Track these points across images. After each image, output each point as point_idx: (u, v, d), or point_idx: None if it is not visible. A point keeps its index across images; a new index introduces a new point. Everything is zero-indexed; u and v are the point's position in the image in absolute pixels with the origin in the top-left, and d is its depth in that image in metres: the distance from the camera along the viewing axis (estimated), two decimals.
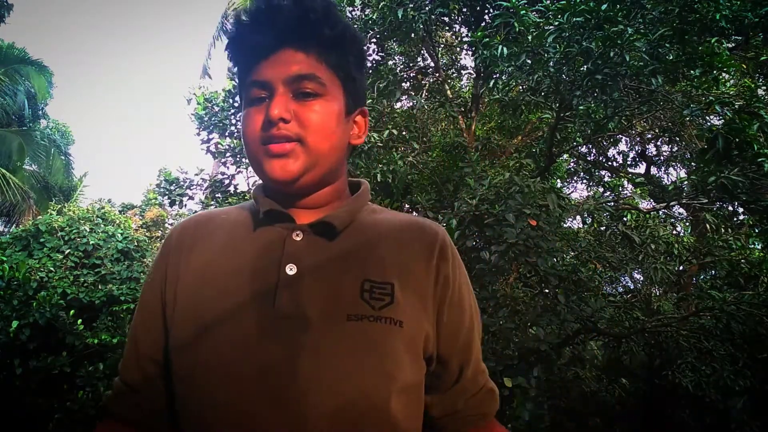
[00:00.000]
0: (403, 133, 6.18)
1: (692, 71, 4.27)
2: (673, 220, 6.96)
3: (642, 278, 6.81)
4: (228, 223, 1.01)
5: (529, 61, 4.36)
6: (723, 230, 5.46)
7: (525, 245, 4.20)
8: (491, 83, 5.21)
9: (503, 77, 5.36)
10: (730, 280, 5.71)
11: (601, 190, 8.00)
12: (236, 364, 0.84)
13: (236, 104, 6.83)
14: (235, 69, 1.01)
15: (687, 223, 7.21)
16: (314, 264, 0.90)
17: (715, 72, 4.30)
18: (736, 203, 4.97)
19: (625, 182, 8.14)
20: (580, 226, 6.64)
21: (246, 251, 0.94)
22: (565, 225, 5.29)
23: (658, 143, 8.26)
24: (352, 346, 0.84)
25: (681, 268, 6.07)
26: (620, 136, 6.90)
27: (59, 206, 10.41)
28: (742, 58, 5.33)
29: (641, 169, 8.72)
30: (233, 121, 6.80)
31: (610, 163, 8.49)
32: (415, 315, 0.90)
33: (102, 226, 8.99)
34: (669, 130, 6.38)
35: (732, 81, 5.50)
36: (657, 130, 6.81)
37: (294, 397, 0.81)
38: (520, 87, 5.54)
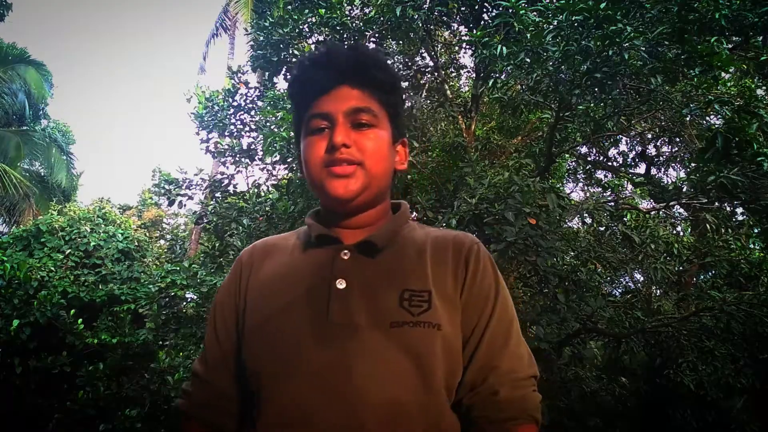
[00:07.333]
0: None
1: (691, 71, 4.25)
2: (673, 220, 6.96)
3: (642, 278, 6.87)
4: (287, 246, 1.16)
5: (528, 60, 4.33)
6: (723, 230, 5.41)
7: (524, 244, 4.20)
8: (490, 82, 5.19)
9: (502, 76, 5.36)
10: (730, 280, 5.75)
11: (600, 190, 7.97)
12: (296, 365, 0.97)
13: (235, 104, 6.81)
14: (293, 104, 1.17)
15: (687, 223, 7.14)
16: (361, 278, 1.03)
17: (715, 71, 4.27)
18: (736, 203, 4.97)
19: (625, 182, 8.04)
20: (580, 226, 6.60)
21: (302, 270, 1.08)
22: (565, 225, 5.24)
23: (658, 143, 8.24)
24: (395, 349, 0.95)
25: (681, 268, 6.05)
26: (620, 136, 6.87)
27: (60, 206, 10.39)
28: (741, 58, 5.30)
29: (641, 169, 8.69)
30: (232, 121, 6.79)
31: (610, 163, 8.46)
32: (450, 318, 1.01)
33: (103, 226, 8.97)
34: (669, 130, 6.36)
35: (732, 81, 5.46)
36: (657, 130, 6.79)
37: (349, 392, 0.93)
38: (520, 86, 5.49)
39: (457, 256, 1.07)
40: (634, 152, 8.57)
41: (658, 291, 6.93)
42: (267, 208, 5.55)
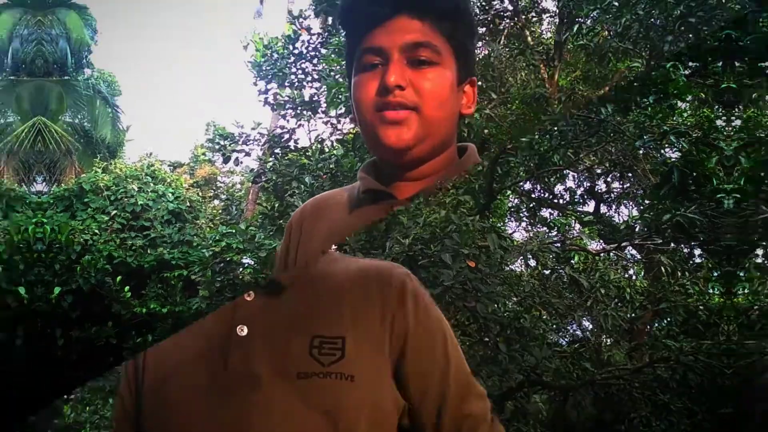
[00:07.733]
0: (479, 83, 5.00)
1: (645, 99, 3.46)
2: (624, 262, 6.03)
3: (591, 326, 5.74)
4: (340, 203, 0.88)
5: (616, 4, 3.81)
6: (679, 274, 4.55)
7: (463, 288, 3.61)
8: (575, 28, 4.51)
9: (588, 22, 4.66)
10: (687, 328, 4.76)
11: (545, 230, 6.91)
12: (191, 420, 0.71)
13: (296, 51, 5.68)
14: (346, 35, 0.90)
15: (640, 266, 6.20)
16: (265, 323, 0.75)
17: (671, 100, 3.38)
18: (693, 244, 4.43)
19: (573, 221, 6.96)
20: (524, 269, 5.61)
21: (208, 318, 0.82)
22: (507, 268, 4.42)
23: (609, 179, 7.17)
24: (303, 403, 0.70)
25: (634, 314, 5.09)
26: (567, 170, 5.90)
27: (105, 163, 9.10)
28: (699, 86, 4.47)
29: (590, 207, 7.48)
30: (293, 70, 5.66)
31: (556, 201, 7.36)
32: (372, 367, 0.72)
33: (151, 185, 7.53)
34: (620, 164, 5.47)
35: (689, 110, 4.56)
36: (607, 164, 5.85)
37: None
38: (607, 32, 4.66)
39: (385, 294, 0.73)
40: (582, 188, 7.38)
41: (609, 340, 5.85)
42: (331, 165, 4.58)
